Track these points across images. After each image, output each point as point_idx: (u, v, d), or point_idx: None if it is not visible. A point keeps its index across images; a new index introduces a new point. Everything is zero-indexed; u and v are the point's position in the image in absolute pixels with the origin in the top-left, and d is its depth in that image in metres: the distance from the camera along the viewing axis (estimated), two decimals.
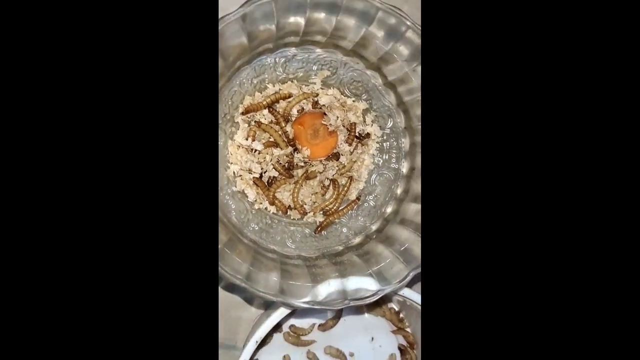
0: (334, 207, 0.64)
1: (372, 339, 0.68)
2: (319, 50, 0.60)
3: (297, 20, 0.54)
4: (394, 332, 0.68)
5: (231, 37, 0.52)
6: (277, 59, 0.61)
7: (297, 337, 0.66)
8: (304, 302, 0.53)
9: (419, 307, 0.61)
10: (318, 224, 0.63)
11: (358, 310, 0.68)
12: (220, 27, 0.50)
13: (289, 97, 0.62)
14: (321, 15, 0.54)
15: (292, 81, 0.63)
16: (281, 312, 0.57)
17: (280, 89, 0.62)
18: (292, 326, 0.66)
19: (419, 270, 0.55)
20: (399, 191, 0.63)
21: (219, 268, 0.50)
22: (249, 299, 0.67)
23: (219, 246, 0.52)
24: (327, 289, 0.55)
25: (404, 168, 0.64)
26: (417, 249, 0.56)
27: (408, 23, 0.54)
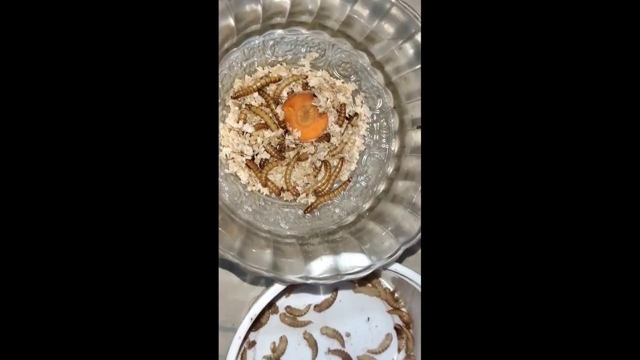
0: (326, 188, 0.64)
1: (368, 319, 0.69)
2: (306, 32, 0.61)
3: None
4: (389, 312, 0.69)
5: (218, 18, 0.53)
6: (265, 41, 0.62)
7: (293, 318, 0.67)
8: (298, 277, 0.53)
9: (413, 285, 0.62)
10: (310, 204, 0.63)
11: (353, 290, 0.69)
12: None
13: (279, 80, 0.63)
14: None
15: (281, 64, 0.64)
16: (275, 289, 0.58)
17: (269, 72, 0.63)
18: (288, 307, 0.67)
19: (410, 244, 0.55)
20: (390, 170, 0.64)
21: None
22: (248, 282, 0.67)
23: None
24: (320, 265, 0.55)
25: (395, 147, 0.64)
26: (407, 225, 0.57)
27: (392, 0, 0.55)
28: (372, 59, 0.62)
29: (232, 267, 0.66)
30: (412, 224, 0.56)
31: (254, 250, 0.55)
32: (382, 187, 0.64)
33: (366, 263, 0.55)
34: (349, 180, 0.65)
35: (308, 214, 0.63)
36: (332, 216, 0.64)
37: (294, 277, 0.53)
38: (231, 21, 0.54)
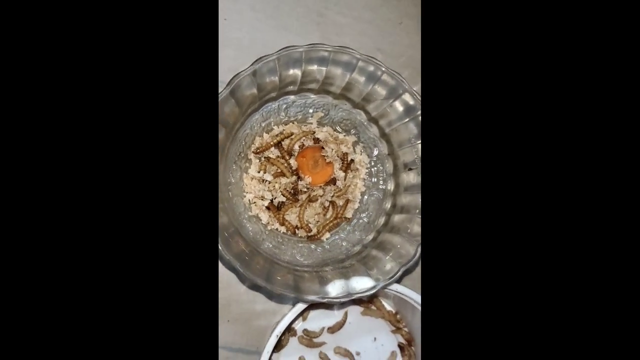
0: (333, 224, 0.76)
1: (375, 339, 0.79)
2: (313, 96, 0.74)
3: (295, 72, 0.69)
4: (393, 331, 0.79)
5: (245, 89, 0.66)
6: (280, 105, 0.75)
7: (310, 340, 0.77)
8: (317, 297, 0.64)
9: (412, 303, 0.72)
10: (317, 237, 0.75)
11: (361, 313, 0.79)
12: (236, 82, 0.64)
13: (291, 135, 0.76)
14: (314, 67, 0.69)
15: (292, 122, 0.77)
16: (296, 309, 0.68)
17: (283, 130, 0.76)
18: (305, 330, 0.77)
19: (408, 266, 0.67)
20: (387, 206, 0.76)
21: (243, 272, 0.62)
22: (273, 302, 0.77)
23: (245, 257, 0.64)
24: (334, 287, 0.66)
25: (390, 187, 0.76)
26: (404, 250, 0.68)
27: (383, 69, 0.68)
28: (368, 115, 0.75)
29: (256, 292, 0.76)
30: (409, 249, 0.67)
31: (278, 277, 0.66)
32: (381, 221, 0.75)
33: (372, 284, 0.66)
34: (347, 218, 0.76)
35: (314, 243, 0.74)
36: (340, 248, 0.75)
37: (313, 297, 0.64)
38: (255, 91, 0.67)
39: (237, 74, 0.64)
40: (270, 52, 0.64)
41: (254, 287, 0.77)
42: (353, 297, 0.65)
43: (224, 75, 0.68)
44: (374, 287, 0.66)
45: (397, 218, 0.72)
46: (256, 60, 0.64)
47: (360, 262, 0.70)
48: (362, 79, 0.70)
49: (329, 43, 0.66)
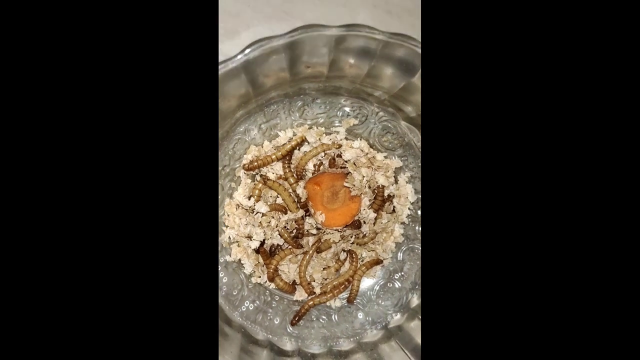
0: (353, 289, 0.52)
1: None
2: (344, 101, 0.48)
3: (320, 63, 0.42)
4: None
5: (230, 84, 0.40)
6: (293, 102, 0.49)
7: None
8: None
9: None
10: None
11: None
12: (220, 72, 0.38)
13: (302, 142, 0.50)
14: (350, 60, 0.42)
15: (310, 127, 0.50)
16: None
17: (293, 135, 0.50)
18: None
19: None
20: None
21: None
22: None
23: None
24: None
25: None
26: None
27: None
28: None
29: None
30: None
31: None
32: (417, 300, 0.51)
33: None
34: (377, 262, 0.52)
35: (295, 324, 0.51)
36: (352, 322, 0.52)
37: None
38: (247, 89, 0.41)
39: (223, 61, 0.38)
40: (276, 34, 0.37)
41: None
42: None
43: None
44: None
45: None
46: (250, 45, 0.37)
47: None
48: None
49: (376, 25, 0.38)
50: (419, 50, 0.40)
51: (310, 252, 0.51)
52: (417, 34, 0.37)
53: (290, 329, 0.51)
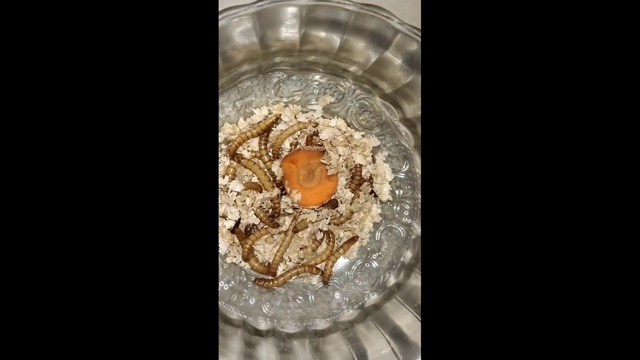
0: (328, 269, 0.51)
1: None
2: (319, 78, 0.47)
3: (289, 37, 0.41)
4: None
5: None
6: (267, 78, 0.48)
7: None
8: None
9: None
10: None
11: None
12: None
13: (277, 121, 0.49)
14: (321, 34, 0.41)
15: (286, 105, 0.50)
16: None
17: (269, 113, 0.49)
18: None
19: None
20: (409, 255, 0.50)
21: None
22: None
23: None
24: None
25: (418, 227, 0.50)
26: (417, 338, 0.44)
27: None
28: (402, 114, 0.48)
29: None
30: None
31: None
32: (394, 279, 0.50)
33: None
34: (354, 239, 0.51)
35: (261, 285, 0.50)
36: (329, 302, 0.51)
37: None
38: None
39: None
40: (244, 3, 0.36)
41: None
42: None
43: None
44: None
45: (419, 285, 0.47)
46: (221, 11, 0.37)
47: (349, 343, 0.46)
48: (398, 61, 0.42)
49: None
50: (391, 22, 0.39)
51: (288, 233, 0.50)
52: (388, 6, 0.37)
53: (266, 309, 0.50)
